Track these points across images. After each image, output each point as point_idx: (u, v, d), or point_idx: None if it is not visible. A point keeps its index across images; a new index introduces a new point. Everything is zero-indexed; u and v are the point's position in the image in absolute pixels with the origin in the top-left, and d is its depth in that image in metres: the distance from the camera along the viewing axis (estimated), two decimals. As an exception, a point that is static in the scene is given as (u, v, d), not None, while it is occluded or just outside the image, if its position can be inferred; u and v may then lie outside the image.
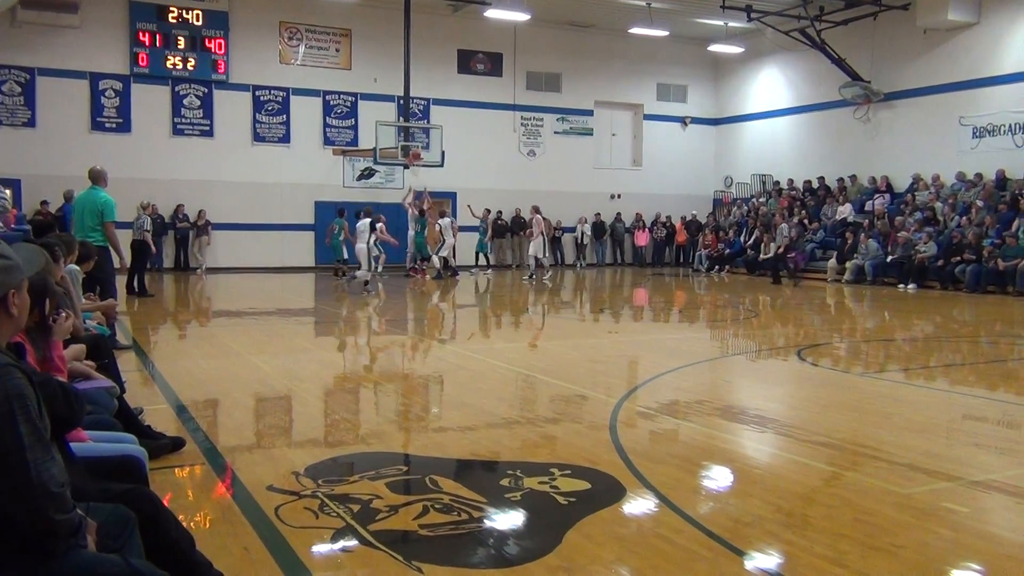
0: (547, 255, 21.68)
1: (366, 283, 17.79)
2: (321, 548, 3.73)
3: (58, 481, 2.32)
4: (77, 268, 7.26)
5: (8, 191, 16.47)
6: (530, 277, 20.82)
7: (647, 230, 28.64)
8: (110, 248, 10.03)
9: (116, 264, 10.48)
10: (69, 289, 6.07)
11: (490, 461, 5.16)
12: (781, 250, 22.34)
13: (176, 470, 4.90)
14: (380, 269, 21.35)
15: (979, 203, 20.23)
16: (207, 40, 23.35)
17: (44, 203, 21.00)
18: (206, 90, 23.49)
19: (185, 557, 2.87)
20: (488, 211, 25.18)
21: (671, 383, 7.94)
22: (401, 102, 23.60)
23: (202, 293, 18.21)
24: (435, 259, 21.25)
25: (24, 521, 2.28)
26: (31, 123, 21.86)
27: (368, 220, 18.29)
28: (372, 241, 20.76)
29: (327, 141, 24.91)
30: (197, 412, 6.41)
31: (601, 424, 6.11)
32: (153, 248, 17.63)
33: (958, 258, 18.89)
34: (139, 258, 16.33)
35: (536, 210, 21.37)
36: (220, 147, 23.67)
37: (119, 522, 2.69)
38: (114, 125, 22.58)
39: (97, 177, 10.26)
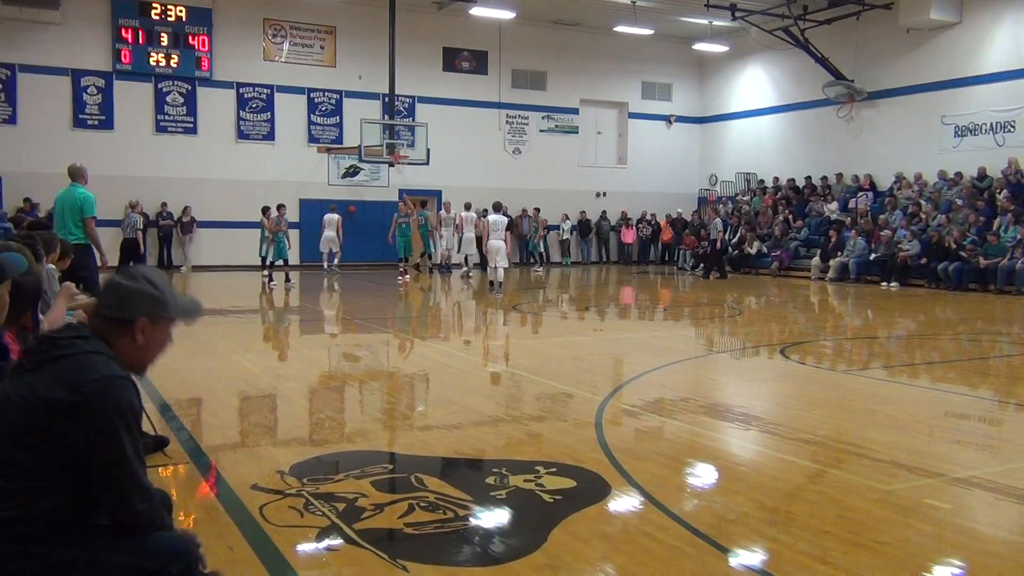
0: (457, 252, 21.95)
1: (491, 283, 16.81)
2: (306, 547, 3.72)
3: (150, 494, 2.49)
4: (53, 267, 7.20)
5: None
6: (465, 276, 20.97)
7: (634, 228, 28.68)
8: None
9: (99, 261, 10.39)
10: (47, 288, 6.02)
11: (475, 459, 5.16)
12: (719, 245, 22.76)
13: (160, 469, 4.87)
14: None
15: (959, 201, 20.39)
16: (191, 37, 23.20)
17: (27, 200, 20.85)
18: (189, 87, 23.35)
19: None
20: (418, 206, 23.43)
21: (656, 381, 7.96)
22: (386, 100, 23.55)
23: (186, 291, 18.06)
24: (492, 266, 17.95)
25: (119, 518, 2.46)
26: (12, 120, 21.67)
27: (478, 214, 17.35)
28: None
29: (312, 139, 24.81)
30: (181, 411, 6.38)
31: (586, 422, 6.12)
32: (141, 248, 17.62)
33: (942, 256, 19.02)
34: (130, 256, 16.30)
35: (467, 207, 21.25)
36: (204, 145, 23.52)
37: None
38: (97, 122, 22.41)
39: (76, 174, 10.18)
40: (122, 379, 2.43)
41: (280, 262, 18.68)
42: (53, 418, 2.33)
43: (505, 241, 16.68)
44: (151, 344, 2.59)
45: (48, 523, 2.37)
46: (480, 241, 20.51)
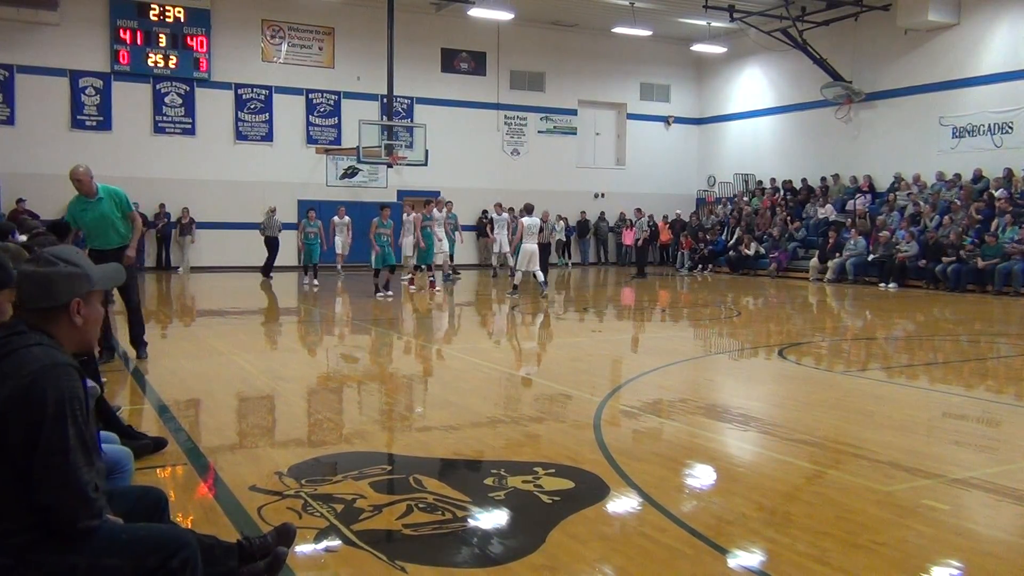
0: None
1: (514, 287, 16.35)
2: (304, 548, 3.71)
3: (94, 486, 2.38)
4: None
5: None
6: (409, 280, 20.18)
7: (635, 228, 28.57)
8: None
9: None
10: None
11: (474, 460, 5.16)
12: (640, 243, 23.54)
13: (158, 470, 4.87)
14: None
15: (957, 202, 20.41)
16: (189, 38, 23.21)
17: (20, 201, 20.85)
18: (188, 88, 23.35)
19: None
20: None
21: (654, 382, 7.96)
22: (384, 101, 23.56)
23: (185, 292, 18.09)
24: (518, 274, 16.53)
25: (53, 519, 2.35)
26: (10, 121, 21.66)
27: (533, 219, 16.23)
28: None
29: (310, 140, 24.82)
30: (179, 412, 6.37)
31: (585, 423, 6.12)
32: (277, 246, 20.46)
33: (941, 258, 19.02)
34: (270, 250, 20.33)
35: (412, 206, 20.51)
36: (202, 146, 23.53)
37: (151, 504, 2.87)
38: (95, 123, 22.40)
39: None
40: (64, 366, 2.36)
41: (386, 268, 16.51)
42: (2, 421, 2.28)
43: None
44: (89, 321, 2.53)
45: (40, 532, 2.35)
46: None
